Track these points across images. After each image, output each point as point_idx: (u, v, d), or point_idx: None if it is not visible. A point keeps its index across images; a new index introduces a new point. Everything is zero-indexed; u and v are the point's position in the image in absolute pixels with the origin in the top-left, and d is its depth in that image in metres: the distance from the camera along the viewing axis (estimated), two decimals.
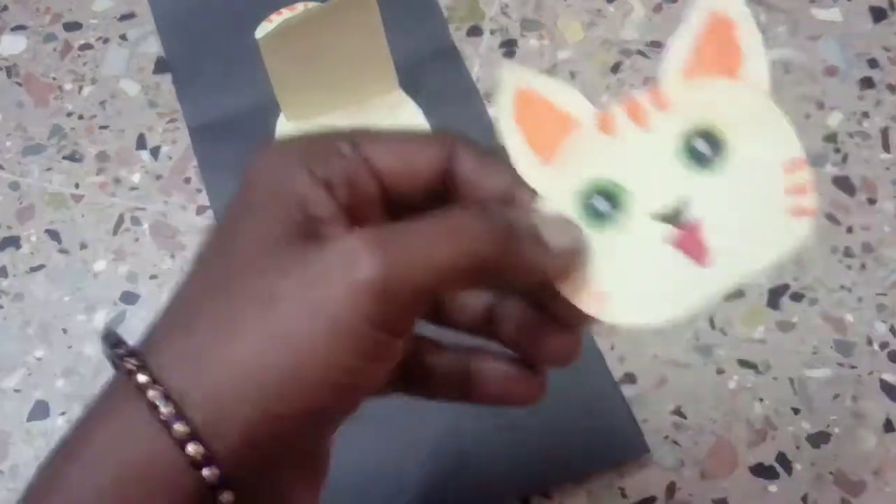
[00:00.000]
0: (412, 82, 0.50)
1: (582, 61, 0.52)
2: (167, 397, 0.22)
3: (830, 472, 0.42)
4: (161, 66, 0.52)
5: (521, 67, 0.27)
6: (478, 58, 0.52)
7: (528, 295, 0.28)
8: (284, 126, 0.49)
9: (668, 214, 0.26)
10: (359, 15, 0.46)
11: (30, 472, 0.44)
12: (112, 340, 0.24)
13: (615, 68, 0.51)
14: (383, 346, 0.23)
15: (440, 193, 0.26)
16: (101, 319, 0.45)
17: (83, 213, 0.48)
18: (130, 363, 0.23)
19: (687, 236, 0.26)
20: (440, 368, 0.29)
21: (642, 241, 0.26)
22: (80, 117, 0.50)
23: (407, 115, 0.50)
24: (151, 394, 0.22)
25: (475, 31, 0.52)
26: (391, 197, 0.26)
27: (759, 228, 0.25)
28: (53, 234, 0.47)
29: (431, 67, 0.51)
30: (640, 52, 0.52)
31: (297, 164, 0.25)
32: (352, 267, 0.22)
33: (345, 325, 0.22)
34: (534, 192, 0.26)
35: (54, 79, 0.51)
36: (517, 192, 0.26)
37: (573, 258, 0.25)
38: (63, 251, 0.47)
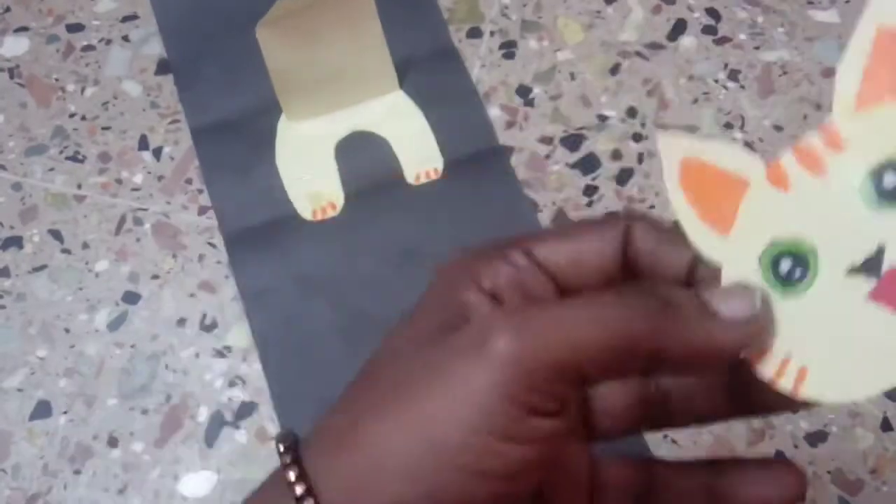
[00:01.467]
0: (412, 83, 0.50)
1: (581, 63, 0.52)
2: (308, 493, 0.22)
3: (828, 472, 0.42)
4: (163, 68, 0.52)
5: (678, 136, 0.25)
6: (478, 59, 0.52)
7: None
8: (285, 127, 0.49)
9: (864, 266, 0.23)
10: (353, 4, 0.46)
11: (32, 471, 0.45)
12: (281, 437, 0.25)
13: (614, 70, 0.51)
14: (517, 422, 0.22)
15: (621, 274, 0.26)
16: (102, 319, 0.46)
17: (85, 214, 0.48)
18: (291, 472, 0.23)
19: (889, 287, 0.22)
20: (681, 491, 0.27)
21: (839, 301, 0.23)
22: (83, 118, 0.51)
23: (407, 115, 0.50)
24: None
25: (475, 33, 0.53)
26: (571, 289, 0.26)
27: None
28: (56, 235, 0.48)
29: (431, 68, 0.51)
30: (639, 54, 0.52)
31: (465, 277, 0.25)
32: (486, 341, 0.22)
33: (477, 399, 0.22)
34: (715, 266, 0.24)
35: (57, 80, 0.52)
36: (698, 267, 0.25)
37: (754, 329, 0.23)
38: (65, 251, 0.47)
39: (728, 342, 0.23)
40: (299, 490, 0.22)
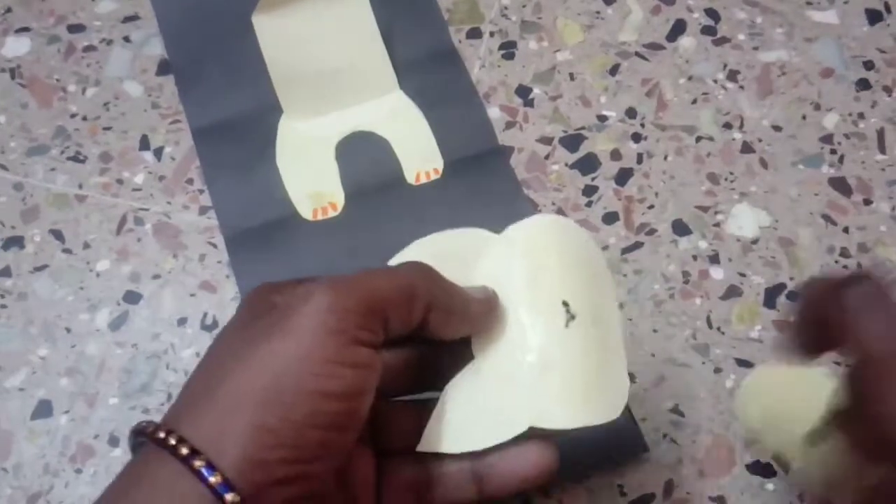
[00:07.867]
0: (412, 83, 0.51)
1: (581, 63, 0.52)
2: (181, 441, 0.27)
3: None
4: (164, 68, 0.52)
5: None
6: (477, 59, 0.52)
7: None
8: (286, 127, 0.50)
9: None
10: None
11: (33, 470, 0.45)
12: (140, 425, 0.29)
13: (613, 70, 0.52)
14: (346, 349, 0.28)
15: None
16: (103, 319, 0.46)
17: (87, 214, 0.48)
18: (161, 430, 0.27)
19: None
20: (451, 478, 0.33)
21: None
22: (84, 118, 0.51)
23: (407, 115, 0.50)
24: (182, 449, 0.27)
25: (475, 34, 0.53)
26: None
27: None
28: (57, 234, 0.48)
29: (431, 69, 0.51)
30: (639, 55, 0.52)
31: (270, 289, 0.31)
32: (310, 295, 0.28)
33: (310, 335, 0.27)
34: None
35: (58, 80, 0.52)
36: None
37: (487, 305, 0.33)
38: (66, 251, 0.47)
39: (472, 306, 0.32)
40: (185, 450, 0.26)
